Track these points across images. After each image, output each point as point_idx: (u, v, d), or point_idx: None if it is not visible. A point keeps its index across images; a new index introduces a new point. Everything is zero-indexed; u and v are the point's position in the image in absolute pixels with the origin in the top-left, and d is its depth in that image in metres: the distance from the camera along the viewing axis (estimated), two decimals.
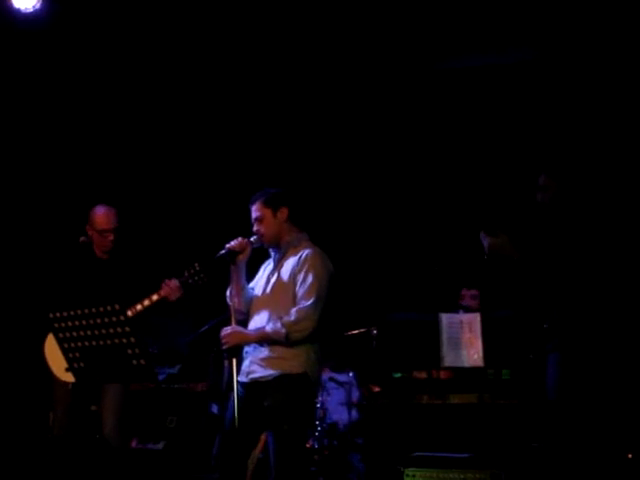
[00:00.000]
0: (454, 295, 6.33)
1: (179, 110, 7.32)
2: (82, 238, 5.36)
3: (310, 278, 4.32)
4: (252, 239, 4.55)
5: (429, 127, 7.24)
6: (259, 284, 4.60)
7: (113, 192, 6.30)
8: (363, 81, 7.05)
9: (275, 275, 4.50)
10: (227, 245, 4.53)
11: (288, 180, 7.15)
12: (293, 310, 4.28)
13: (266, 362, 4.34)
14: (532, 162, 6.59)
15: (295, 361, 4.30)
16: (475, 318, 5.57)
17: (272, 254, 4.63)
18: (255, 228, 4.55)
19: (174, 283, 5.08)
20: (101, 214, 5.32)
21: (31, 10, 5.90)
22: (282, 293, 4.41)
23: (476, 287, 6.24)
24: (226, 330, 4.38)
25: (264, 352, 4.36)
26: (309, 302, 4.28)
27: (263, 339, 4.35)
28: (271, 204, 4.52)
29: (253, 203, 4.57)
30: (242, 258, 4.53)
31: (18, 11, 5.90)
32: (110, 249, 5.34)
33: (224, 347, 4.37)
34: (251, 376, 4.38)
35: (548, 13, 6.12)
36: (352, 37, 6.47)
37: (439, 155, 7.28)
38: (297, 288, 4.35)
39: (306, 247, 4.47)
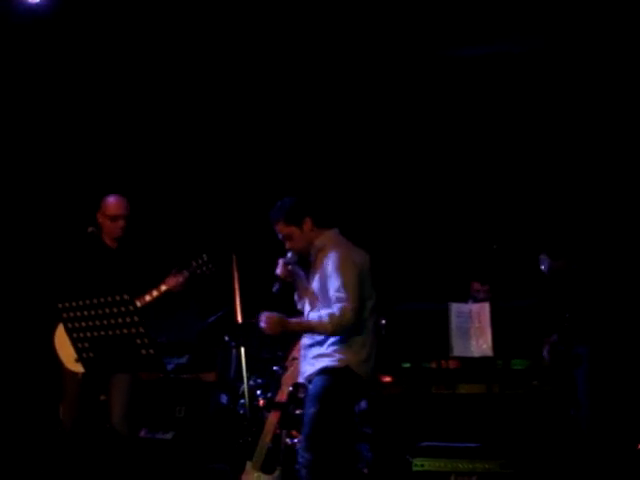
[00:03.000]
0: (464, 285, 6.32)
1: (187, 102, 7.30)
2: (90, 228, 5.38)
3: (339, 280, 4.38)
4: (287, 259, 4.65)
5: (439, 117, 7.21)
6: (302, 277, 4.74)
7: (121, 183, 6.30)
8: (375, 70, 7.03)
9: (312, 278, 4.61)
10: (277, 275, 4.64)
11: (296, 173, 7.20)
12: (336, 306, 4.35)
13: (315, 359, 4.51)
14: (541, 153, 6.60)
15: (335, 356, 4.42)
16: (484, 308, 5.55)
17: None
18: (287, 246, 4.62)
19: (180, 276, 5.15)
20: (113, 200, 5.40)
21: (37, 1, 5.91)
22: (319, 295, 4.53)
23: (487, 283, 6.23)
24: (269, 316, 4.46)
25: (313, 351, 4.53)
26: (346, 300, 4.33)
27: (305, 330, 4.53)
28: (293, 220, 4.55)
29: (275, 224, 4.60)
30: (292, 278, 4.68)
31: (24, 2, 5.91)
32: (120, 237, 5.37)
33: (265, 331, 4.46)
34: (305, 375, 4.57)
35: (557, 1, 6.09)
36: (365, 27, 6.45)
37: (446, 147, 7.25)
38: (330, 292, 4.42)
39: (330, 249, 4.53)
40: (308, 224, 4.56)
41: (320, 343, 4.49)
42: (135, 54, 6.80)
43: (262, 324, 4.46)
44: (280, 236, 4.61)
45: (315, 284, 4.54)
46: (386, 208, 7.30)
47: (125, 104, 7.20)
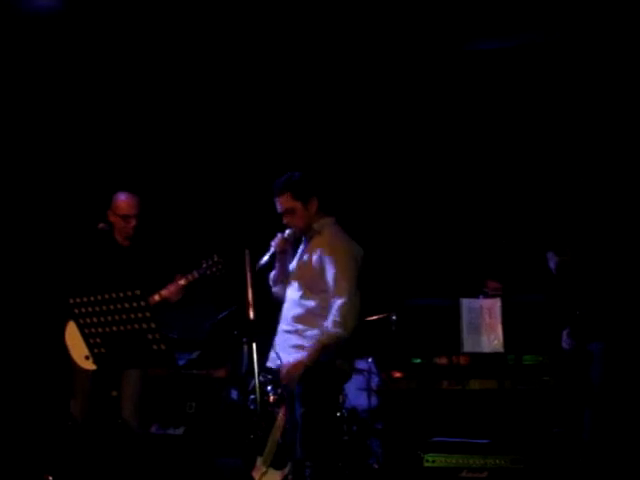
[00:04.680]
0: (475, 280, 6.30)
1: (199, 99, 7.29)
2: (101, 224, 5.38)
3: (337, 273, 4.28)
4: (287, 234, 4.50)
5: (451, 110, 7.18)
6: (295, 260, 4.61)
7: (133, 180, 6.31)
8: (389, 62, 7.00)
9: (304, 257, 4.49)
10: (271, 247, 4.51)
11: (308, 165, 7.18)
12: (334, 311, 4.24)
13: (294, 349, 4.37)
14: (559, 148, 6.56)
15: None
16: (495, 303, 5.55)
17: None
18: (286, 220, 4.47)
19: (178, 285, 5.12)
20: (124, 199, 5.36)
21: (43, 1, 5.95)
22: (307, 275, 4.41)
23: (499, 278, 6.21)
24: (284, 368, 4.31)
25: (292, 340, 4.39)
26: (344, 297, 4.24)
27: (320, 351, 4.28)
28: (301, 197, 4.41)
29: (280, 194, 4.42)
30: (284, 255, 4.54)
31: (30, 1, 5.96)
32: (131, 235, 5.37)
33: (288, 385, 4.35)
34: (278, 362, 4.42)
35: None
36: (377, 20, 6.41)
37: (457, 141, 7.23)
38: (329, 283, 4.31)
39: (329, 236, 4.42)
40: (314, 204, 4.44)
41: (300, 333, 4.38)
42: (147, 50, 6.79)
43: (283, 379, 4.33)
44: (280, 208, 4.43)
45: (306, 268, 4.42)
46: (398, 203, 7.27)
47: (137, 101, 7.19)
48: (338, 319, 4.23)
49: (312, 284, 4.39)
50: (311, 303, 4.39)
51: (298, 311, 4.41)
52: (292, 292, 4.50)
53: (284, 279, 4.59)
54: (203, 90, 7.24)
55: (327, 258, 4.34)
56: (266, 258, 4.55)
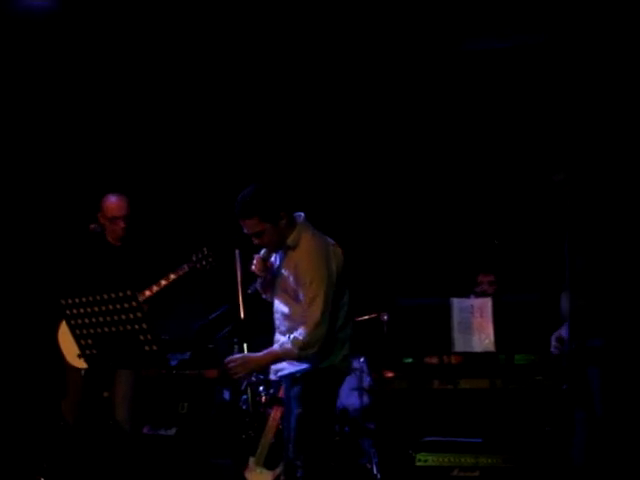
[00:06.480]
0: (466, 279, 6.31)
1: (188, 99, 7.29)
2: (92, 225, 5.39)
3: (311, 291, 4.18)
4: (263, 255, 4.41)
5: (442, 110, 7.18)
6: (276, 270, 4.49)
7: (123, 180, 6.31)
8: (387, 61, 7.01)
9: (283, 272, 4.37)
10: (254, 272, 4.44)
11: (298, 162, 7.19)
12: (302, 330, 4.18)
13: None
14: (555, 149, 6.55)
15: (319, 358, 4.26)
16: (486, 303, 5.55)
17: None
18: (256, 242, 4.32)
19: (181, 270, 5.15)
20: (112, 202, 5.37)
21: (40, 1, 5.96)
22: (290, 289, 4.33)
23: (492, 272, 6.21)
24: (234, 360, 4.29)
25: None
26: (315, 319, 4.16)
27: (276, 360, 4.31)
28: (270, 218, 4.21)
29: (246, 218, 4.22)
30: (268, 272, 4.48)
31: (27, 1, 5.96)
32: (122, 236, 5.37)
33: (234, 377, 4.34)
34: (279, 374, 4.40)
35: None
36: (375, 20, 6.42)
37: (450, 142, 7.23)
38: (302, 298, 4.23)
39: (302, 252, 4.28)
40: (284, 219, 4.24)
41: None
42: (134, 53, 6.80)
43: (230, 371, 4.29)
44: (249, 231, 4.25)
45: (287, 283, 4.32)
46: (390, 202, 7.27)
47: (125, 101, 7.19)
48: (303, 341, 4.17)
49: (297, 297, 4.31)
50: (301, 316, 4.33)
51: (291, 324, 4.35)
52: (281, 305, 4.42)
53: (270, 288, 4.53)
54: (192, 89, 7.24)
55: (301, 282, 4.23)
56: (252, 288, 4.54)
